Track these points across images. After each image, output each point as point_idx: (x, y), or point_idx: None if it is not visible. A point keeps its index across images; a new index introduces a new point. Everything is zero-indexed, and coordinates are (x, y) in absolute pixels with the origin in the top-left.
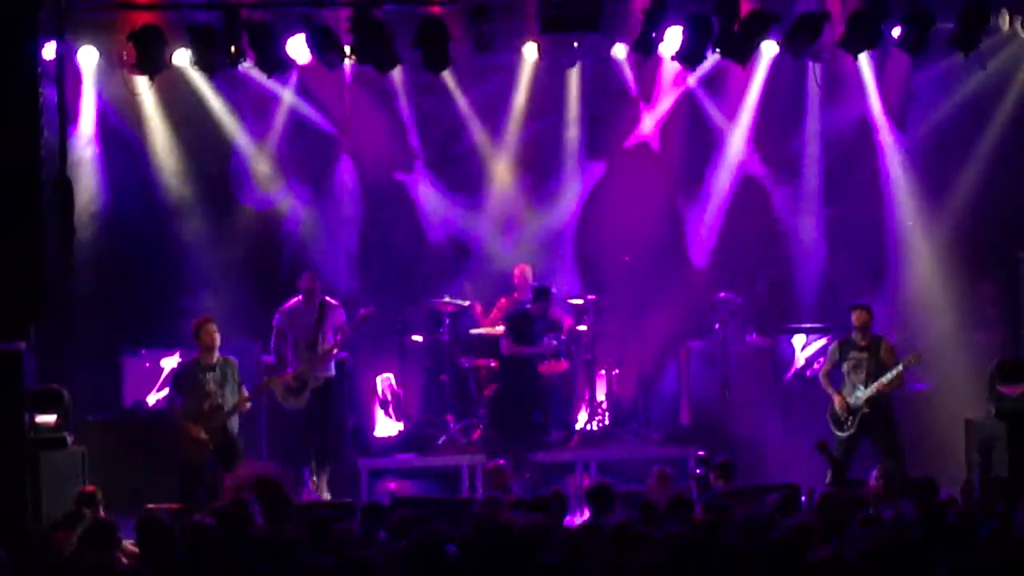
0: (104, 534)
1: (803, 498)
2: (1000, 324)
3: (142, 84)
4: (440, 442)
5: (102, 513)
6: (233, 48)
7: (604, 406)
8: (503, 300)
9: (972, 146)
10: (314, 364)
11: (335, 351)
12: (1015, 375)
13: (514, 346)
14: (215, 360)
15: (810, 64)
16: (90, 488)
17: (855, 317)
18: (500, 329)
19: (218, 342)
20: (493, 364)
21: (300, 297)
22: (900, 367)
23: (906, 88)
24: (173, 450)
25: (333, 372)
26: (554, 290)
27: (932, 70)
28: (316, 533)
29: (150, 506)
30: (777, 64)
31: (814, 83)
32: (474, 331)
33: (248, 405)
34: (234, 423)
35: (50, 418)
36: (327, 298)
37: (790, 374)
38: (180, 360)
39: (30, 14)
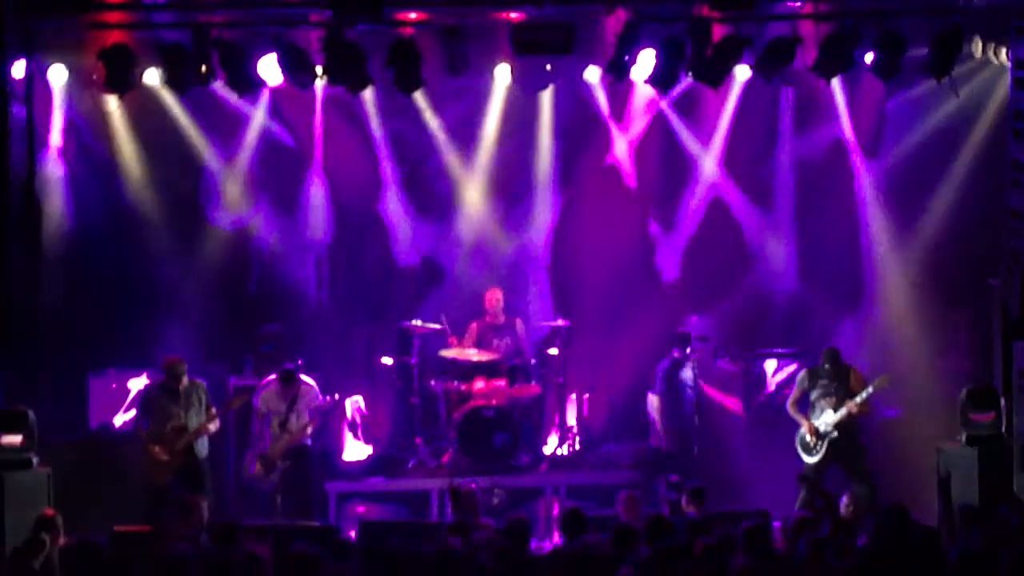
0: None
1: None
2: (971, 351)
3: (112, 103)
4: (409, 465)
5: (62, 539)
6: (204, 67)
7: (575, 430)
8: (474, 323)
9: (945, 172)
10: (284, 443)
11: (308, 430)
12: (986, 402)
13: None
14: (182, 385)
15: (783, 88)
16: (49, 512)
17: (824, 357)
18: (471, 352)
19: (185, 378)
20: (463, 387)
21: (276, 377)
22: (870, 389)
23: (879, 113)
24: (140, 472)
25: (309, 442)
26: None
27: (905, 96)
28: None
29: (118, 528)
30: (750, 88)
31: (787, 108)
32: (444, 353)
33: (214, 426)
34: (201, 446)
35: (15, 439)
36: (302, 377)
37: (761, 399)
38: (147, 382)
39: None
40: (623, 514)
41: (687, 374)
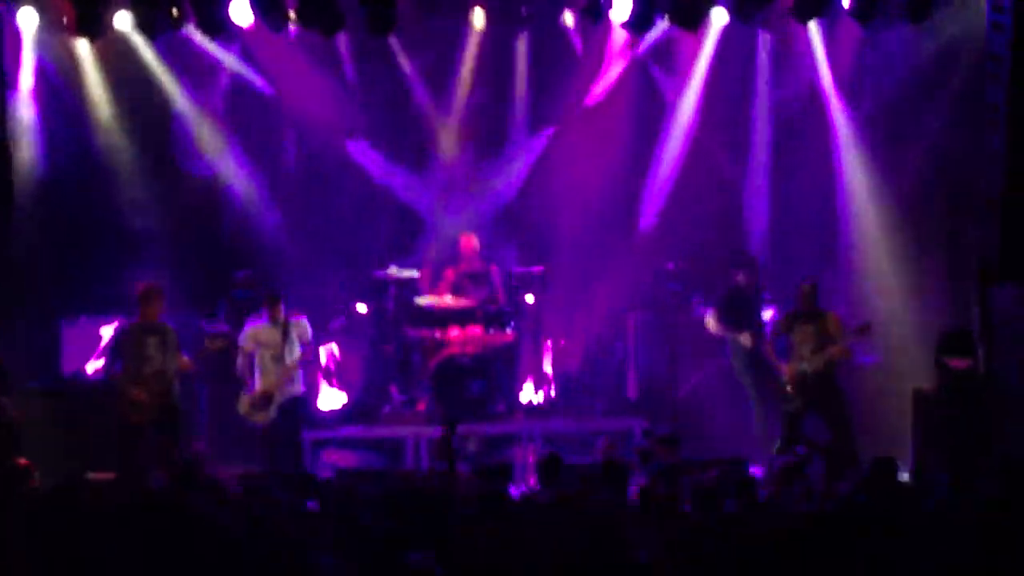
0: None
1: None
2: (948, 297)
3: (83, 47)
4: (384, 413)
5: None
6: (175, 10)
7: (550, 378)
8: (449, 270)
9: (923, 118)
10: (281, 379)
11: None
12: (960, 348)
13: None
14: (156, 325)
15: (760, 34)
16: (22, 461)
17: (801, 290)
18: (448, 299)
19: (160, 310)
20: (438, 335)
21: (265, 313)
22: (848, 337)
23: (857, 59)
24: (113, 419)
25: (302, 389)
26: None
27: (884, 40)
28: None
29: (90, 476)
30: (727, 33)
31: (764, 54)
32: (419, 301)
33: (189, 367)
34: (175, 390)
35: None
36: (293, 314)
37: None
38: (119, 324)
39: None
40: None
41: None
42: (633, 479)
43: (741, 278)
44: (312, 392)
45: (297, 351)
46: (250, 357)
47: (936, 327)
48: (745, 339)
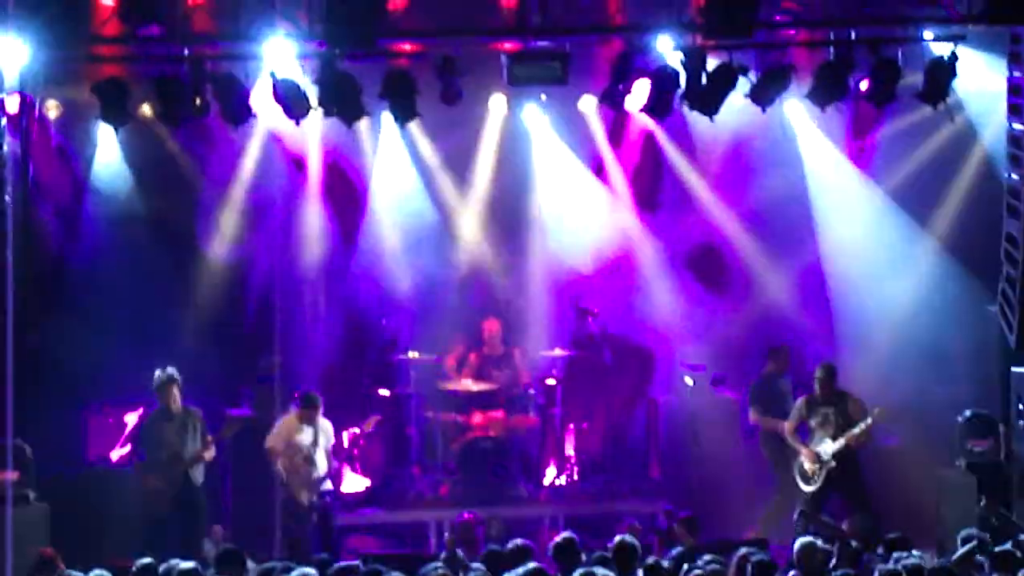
0: None
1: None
2: (970, 379)
3: (108, 135)
4: (408, 497)
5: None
6: (197, 100)
7: (573, 460)
8: (472, 354)
9: (942, 198)
10: (311, 486)
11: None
12: (983, 429)
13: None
14: (177, 411)
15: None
16: (48, 552)
17: (817, 376)
18: (468, 383)
19: (179, 401)
20: (461, 419)
21: (296, 408)
22: (869, 420)
23: (875, 140)
24: (137, 505)
25: (331, 487)
26: None
27: (900, 122)
28: None
29: (117, 562)
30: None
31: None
32: (441, 385)
33: (210, 454)
34: (197, 474)
35: (12, 475)
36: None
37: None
38: (142, 413)
39: None
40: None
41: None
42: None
43: (772, 366)
44: (336, 477)
45: (324, 453)
46: (277, 457)
47: (957, 408)
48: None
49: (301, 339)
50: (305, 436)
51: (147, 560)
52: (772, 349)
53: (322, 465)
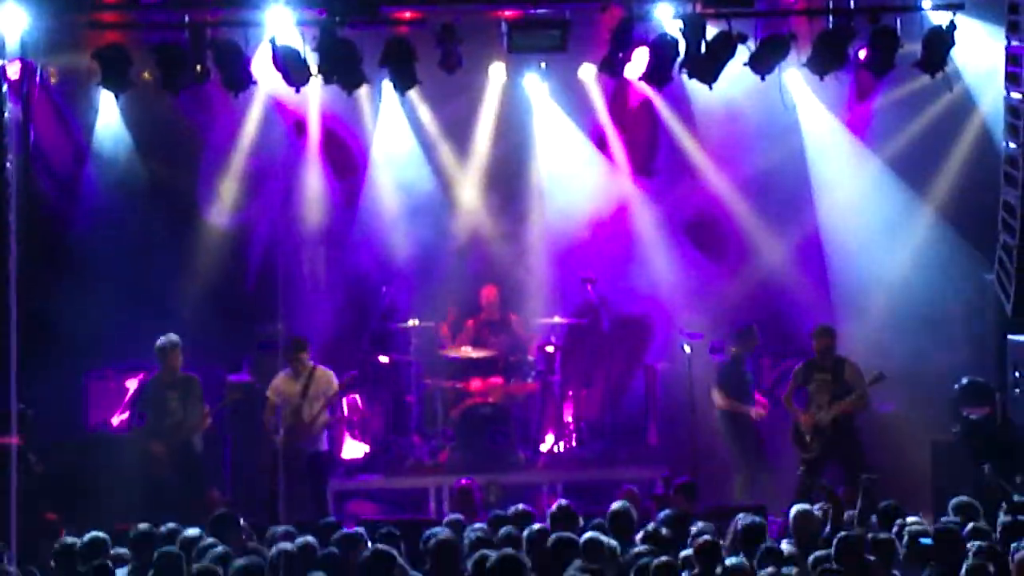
0: None
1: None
2: (966, 346)
3: (109, 101)
4: (407, 464)
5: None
6: (198, 67)
7: (571, 427)
8: (470, 321)
9: (940, 167)
10: (299, 434)
11: (322, 419)
12: (979, 397)
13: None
14: (177, 378)
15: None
16: (50, 516)
17: (817, 340)
18: (467, 350)
19: (179, 366)
20: (460, 385)
21: (288, 368)
22: (865, 387)
23: (872, 108)
24: (138, 470)
25: (325, 446)
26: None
27: (899, 92)
28: None
29: (118, 526)
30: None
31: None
32: (443, 353)
33: (208, 422)
34: (197, 442)
35: (15, 439)
36: (318, 366)
37: (756, 395)
38: (142, 378)
39: None
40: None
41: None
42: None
43: (740, 347)
44: (336, 445)
45: (317, 407)
46: (275, 409)
47: (954, 376)
48: (756, 413)
49: (301, 306)
50: (294, 387)
51: (146, 526)
52: (738, 331)
53: (315, 417)
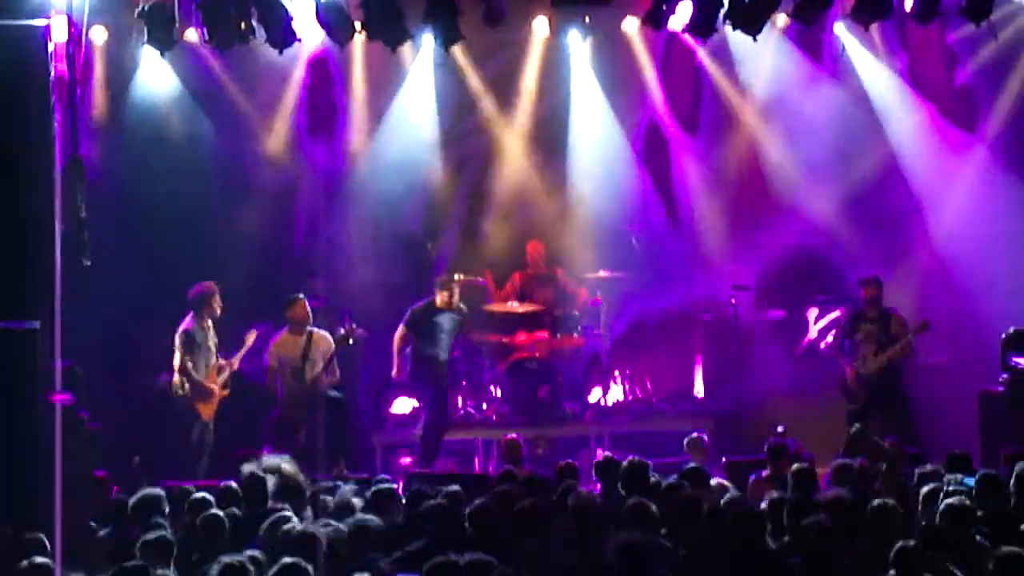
0: None
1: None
2: (1012, 294)
3: (154, 59)
4: (455, 418)
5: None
6: (243, 24)
7: (617, 380)
8: (517, 275)
9: (986, 117)
10: (301, 397)
11: (325, 380)
12: None
13: None
14: (208, 325)
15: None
16: (101, 474)
17: (864, 290)
18: (513, 305)
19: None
20: (506, 340)
21: (286, 328)
22: (909, 336)
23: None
24: (187, 419)
25: (338, 394)
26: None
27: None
28: None
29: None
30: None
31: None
32: (489, 307)
33: (235, 366)
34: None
35: (65, 396)
36: (316, 330)
37: (803, 347)
38: (185, 324)
39: None
40: (692, 458)
41: None
42: None
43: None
44: (384, 397)
45: (318, 369)
46: (275, 373)
47: (1002, 325)
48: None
49: (347, 261)
50: (293, 350)
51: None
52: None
53: (316, 378)
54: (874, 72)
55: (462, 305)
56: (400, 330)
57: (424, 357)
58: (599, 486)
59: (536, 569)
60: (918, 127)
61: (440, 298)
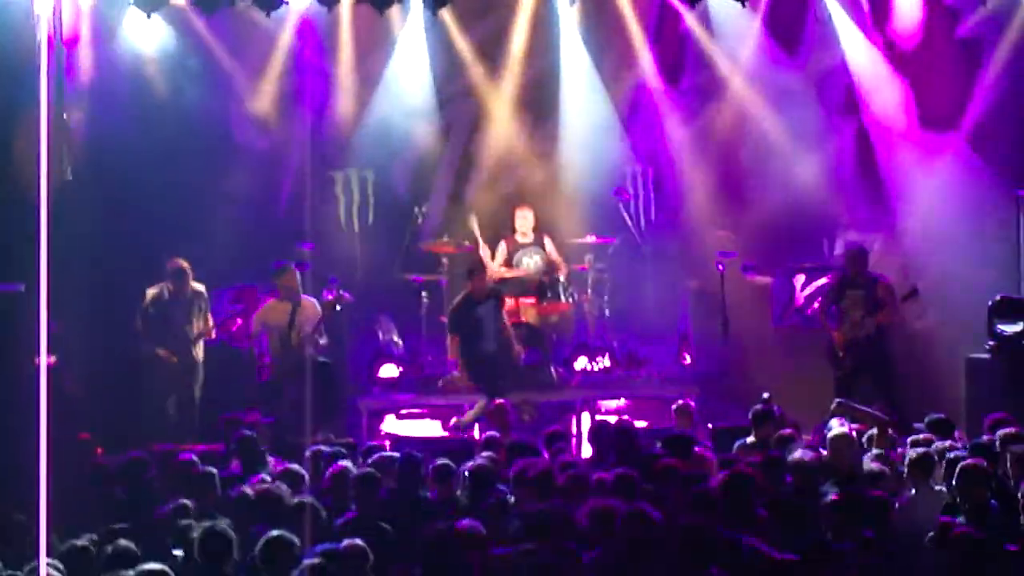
0: None
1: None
2: (998, 262)
3: (141, 22)
4: (440, 383)
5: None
6: None
7: (604, 346)
8: (503, 242)
9: (973, 83)
10: (287, 363)
11: (315, 341)
12: (1013, 312)
13: None
14: (188, 290)
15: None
16: (85, 435)
17: (849, 256)
18: (502, 270)
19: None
20: None
21: (276, 294)
22: (896, 302)
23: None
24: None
25: (325, 359)
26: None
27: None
28: None
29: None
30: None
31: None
32: None
33: (213, 334)
34: (198, 351)
35: (50, 359)
36: (304, 297)
37: (790, 313)
38: (155, 291)
39: None
40: (676, 424)
41: None
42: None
43: None
44: (373, 363)
45: (307, 330)
46: (260, 339)
47: (988, 291)
48: None
49: (333, 227)
50: (281, 316)
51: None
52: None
53: (301, 344)
54: (857, 37)
55: (494, 286)
56: (449, 339)
57: (477, 358)
58: (592, 451)
59: None
60: (900, 95)
61: (473, 289)
